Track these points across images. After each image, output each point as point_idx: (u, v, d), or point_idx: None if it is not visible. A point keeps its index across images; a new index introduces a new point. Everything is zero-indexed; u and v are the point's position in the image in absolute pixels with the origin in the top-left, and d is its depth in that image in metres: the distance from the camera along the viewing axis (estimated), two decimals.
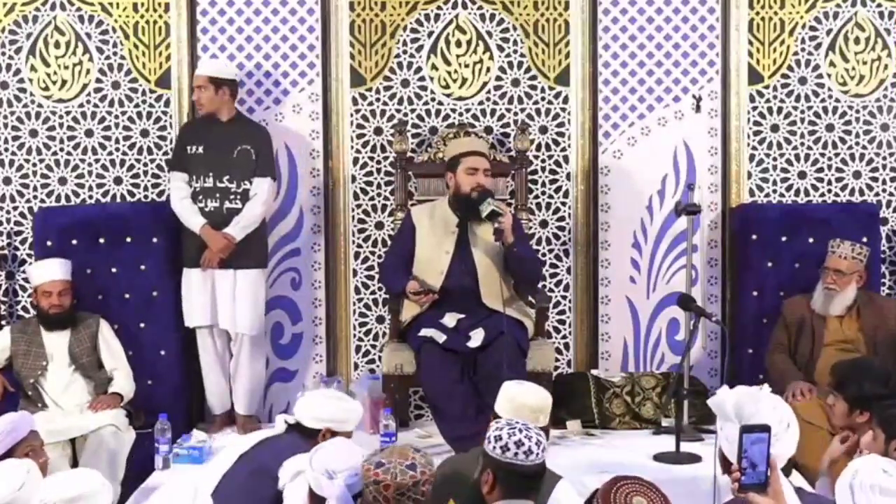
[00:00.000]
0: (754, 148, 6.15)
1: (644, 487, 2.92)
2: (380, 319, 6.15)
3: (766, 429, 3.00)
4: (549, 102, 6.13)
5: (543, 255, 6.12)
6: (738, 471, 3.00)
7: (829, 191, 6.18)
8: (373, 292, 6.15)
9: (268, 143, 5.83)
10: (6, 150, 6.07)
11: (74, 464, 5.31)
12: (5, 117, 6.06)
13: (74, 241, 5.84)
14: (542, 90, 6.13)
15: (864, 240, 5.74)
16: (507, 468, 3.28)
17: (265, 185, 5.74)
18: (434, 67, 6.13)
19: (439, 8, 6.11)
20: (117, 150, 6.10)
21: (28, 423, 4.07)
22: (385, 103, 6.12)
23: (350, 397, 4.41)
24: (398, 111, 6.12)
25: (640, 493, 2.89)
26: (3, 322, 5.94)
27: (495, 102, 6.14)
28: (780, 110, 6.15)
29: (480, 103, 6.14)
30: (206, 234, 5.69)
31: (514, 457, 3.27)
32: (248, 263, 5.76)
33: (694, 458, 5.10)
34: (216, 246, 5.67)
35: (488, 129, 6.10)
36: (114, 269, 5.91)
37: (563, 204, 6.17)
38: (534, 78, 6.13)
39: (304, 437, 4.15)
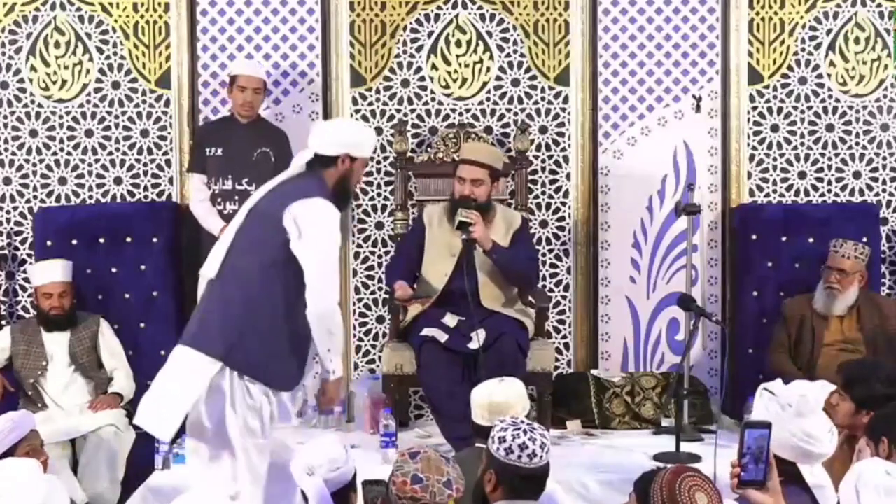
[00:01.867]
0: (754, 148, 6.15)
1: (704, 482, 2.90)
2: (380, 319, 6.14)
3: (767, 425, 3.00)
4: (549, 102, 6.13)
5: (543, 255, 6.12)
6: (739, 466, 3.00)
7: (829, 191, 6.17)
8: (373, 292, 6.15)
9: (286, 146, 5.79)
10: (6, 150, 6.07)
11: (74, 464, 5.32)
12: (5, 117, 6.06)
13: (74, 242, 5.85)
14: (542, 90, 6.13)
15: (864, 240, 5.74)
16: (511, 470, 3.29)
17: None
18: (434, 67, 6.12)
19: (439, 8, 6.10)
20: (117, 150, 6.09)
21: (29, 422, 4.06)
22: (385, 103, 6.12)
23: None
24: (398, 111, 6.12)
25: (703, 489, 2.87)
26: (3, 322, 5.93)
27: (495, 102, 6.14)
28: (780, 110, 6.15)
29: (480, 103, 6.14)
30: None
31: (517, 459, 3.28)
32: None
33: (694, 458, 5.08)
34: None
35: (488, 129, 6.09)
36: (114, 269, 5.91)
37: (563, 204, 6.16)
38: (534, 78, 6.12)
39: (322, 168, 4.18)
